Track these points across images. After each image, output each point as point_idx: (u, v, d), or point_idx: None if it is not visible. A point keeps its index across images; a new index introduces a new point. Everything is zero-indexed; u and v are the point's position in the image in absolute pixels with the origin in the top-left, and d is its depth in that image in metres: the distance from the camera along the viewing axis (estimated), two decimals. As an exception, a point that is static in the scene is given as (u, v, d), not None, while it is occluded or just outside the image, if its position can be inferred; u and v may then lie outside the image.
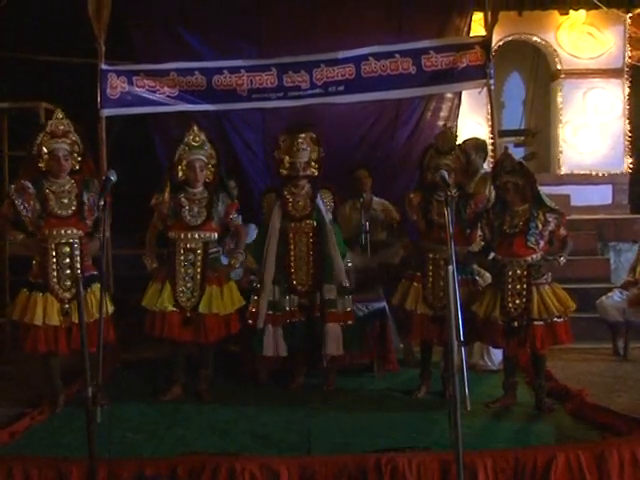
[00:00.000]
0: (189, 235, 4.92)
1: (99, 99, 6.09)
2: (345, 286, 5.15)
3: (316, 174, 5.22)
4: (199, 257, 4.94)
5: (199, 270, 4.93)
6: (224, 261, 5.28)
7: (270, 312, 5.10)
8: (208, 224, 4.95)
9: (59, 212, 4.63)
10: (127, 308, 4.93)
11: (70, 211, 4.65)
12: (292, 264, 5.17)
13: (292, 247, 5.17)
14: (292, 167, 5.14)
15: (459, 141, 6.15)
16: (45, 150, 4.65)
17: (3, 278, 6.90)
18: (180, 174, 4.97)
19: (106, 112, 6.13)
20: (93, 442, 3.17)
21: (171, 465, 3.61)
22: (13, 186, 4.63)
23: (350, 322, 5.16)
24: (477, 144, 5.87)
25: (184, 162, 4.94)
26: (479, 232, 4.93)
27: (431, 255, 4.93)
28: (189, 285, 4.93)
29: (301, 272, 5.17)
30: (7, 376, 5.77)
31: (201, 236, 4.94)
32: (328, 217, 5.19)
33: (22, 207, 4.59)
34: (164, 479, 3.57)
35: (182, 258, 4.93)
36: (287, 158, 5.15)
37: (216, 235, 5.03)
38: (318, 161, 5.20)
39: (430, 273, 4.94)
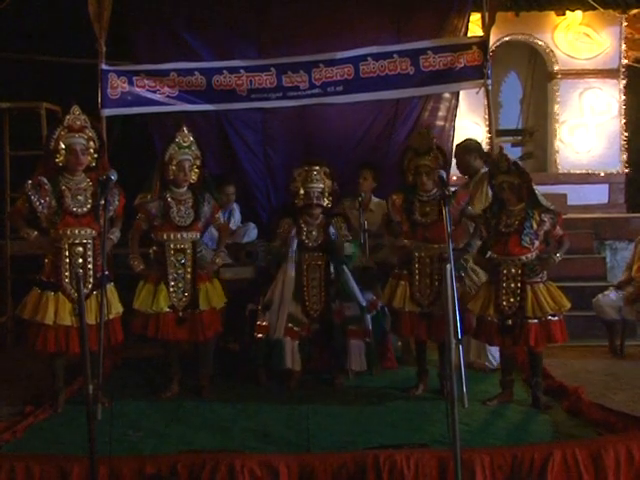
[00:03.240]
0: (178, 236, 4.96)
1: (99, 99, 6.10)
2: (363, 306, 5.28)
3: (330, 206, 5.44)
4: (189, 257, 4.98)
5: (189, 270, 4.97)
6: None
7: (290, 325, 5.22)
8: (196, 224, 5.00)
9: (74, 209, 4.63)
10: (127, 306, 4.95)
11: (85, 209, 4.65)
12: (305, 292, 5.33)
13: (305, 277, 5.34)
14: (306, 196, 5.34)
15: (456, 141, 6.24)
16: (62, 145, 4.66)
17: (5, 277, 6.92)
18: (170, 173, 5.00)
19: (106, 112, 6.13)
20: (94, 440, 3.19)
21: (171, 462, 3.63)
22: (29, 182, 4.62)
23: (369, 340, 5.25)
24: (466, 145, 5.88)
25: (174, 162, 4.98)
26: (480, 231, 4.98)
27: (417, 253, 4.99)
28: (180, 285, 4.97)
29: (314, 298, 5.35)
30: (9, 374, 5.78)
31: (190, 236, 4.98)
32: (345, 239, 5.41)
33: (38, 203, 4.59)
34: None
35: (172, 259, 4.96)
36: (302, 190, 5.36)
37: (199, 234, 5.09)
38: (331, 194, 5.42)
39: (417, 271, 4.99)
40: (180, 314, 4.94)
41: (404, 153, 5.15)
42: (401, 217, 5.08)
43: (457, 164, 5.89)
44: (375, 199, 6.17)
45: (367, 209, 6.10)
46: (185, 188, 5.03)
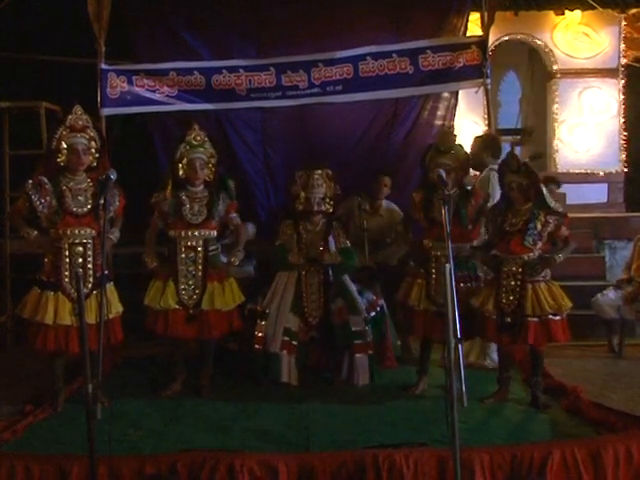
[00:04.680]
0: (190, 233, 4.96)
1: (99, 98, 6.11)
2: (365, 317, 5.25)
3: (331, 210, 5.41)
4: (200, 255, 4.98)
5: (200, 267, 4.98)
6: (223, 259, 5.31)
7: (286, 339, 5.20)
8: (208, 222, 4.99)
9: (75, 209, 4.64)
10: (127, 305, 4.95)
11: (85, 209, 4.66)
12: (304, 298, 5.31)
13: (304, 285, 5.33)
14: (307, 202, 5.33)
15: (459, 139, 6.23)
16: (64, 145, 4.67)
17: (4, 276, 6.91)
18: (181, 172, 5.01)
19: (106, 111, 6.15)
20: (93, 439, 3.19)
21: (171, 462, 3.63)
22: (30, 181, 4.62)
23: (371, 352, 5.25)
24: (484, 141, 5.89)
25: (185, 160, 4.98)
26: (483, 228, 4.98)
27: (433, 252, 5.00)
28: (191, 283, 4.97)
29: (314, 304, 5.32)
30: (9, 374, 5.77)
31: (202, 234, 4.98)
32: (343, 245, 5.36)
33: (38, 202, 4.59)
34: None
35: (183, 256, 4.97)
36: (303, 194, 5.34)
37: (215, 233, 5.08)
38: (333, 198, 5.40)
39: (433, 270, 4.99)
40: (190, 311, 4.95)
41: (426, 150, 5.13)
42: (420, 215, 5.09)
43: (471, 157, 5.88)
44: (385, 204, 6.18)
45: (377, 214, 6.12)
46: (201, 187, 5.03)
